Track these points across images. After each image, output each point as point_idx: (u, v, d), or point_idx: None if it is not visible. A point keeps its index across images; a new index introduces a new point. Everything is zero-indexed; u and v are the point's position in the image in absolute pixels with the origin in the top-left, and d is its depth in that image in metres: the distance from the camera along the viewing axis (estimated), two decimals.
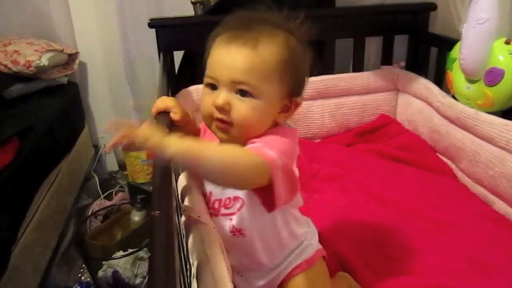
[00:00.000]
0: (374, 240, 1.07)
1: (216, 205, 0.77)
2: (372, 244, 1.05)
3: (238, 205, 0.74)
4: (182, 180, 0.79)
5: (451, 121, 1.34)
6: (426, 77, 1.57)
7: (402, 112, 1.64)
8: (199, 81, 0.79)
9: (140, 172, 1.80)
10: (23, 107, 1.65)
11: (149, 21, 1.42)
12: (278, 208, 0.68)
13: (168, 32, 1.46)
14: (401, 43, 1.68)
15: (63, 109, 1.75)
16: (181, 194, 0.76)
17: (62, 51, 1.81)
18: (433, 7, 1.59)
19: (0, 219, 1.13)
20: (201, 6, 1.50)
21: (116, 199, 1.88)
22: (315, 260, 0.83)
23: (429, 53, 1.60)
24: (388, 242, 1.06)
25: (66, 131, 1.78)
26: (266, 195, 0.68)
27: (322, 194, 1.26)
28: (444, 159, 1.41)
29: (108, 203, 1.84)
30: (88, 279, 1.50)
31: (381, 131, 1.62)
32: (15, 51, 1.69)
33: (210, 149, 0.65)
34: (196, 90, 1.46)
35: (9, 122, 1.49)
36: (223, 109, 0.68)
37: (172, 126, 0.77)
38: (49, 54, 1.74)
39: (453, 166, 1.37)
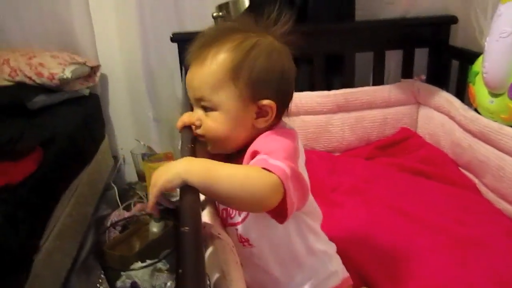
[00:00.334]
0: (396, 255, 1.05)
1: (224, 215, 0.77)
2: (394, 259, 1.03)
3: (243, 215, 0.74)
4: None
5: (474, 135, 1.32)
6: (448, 90, 1.56)
7: (423, 126, 1.63)
8: None
9: None
10: (46, 118, 1.68)
11: (171, 36, 1.44)
12: (289, 217, 0.65)
13: None
14: (421, 56, 1.67)
15: (84, 120, 1.78)
16: None
17: (84, 63, 1.85)
18: (454, 20, 1.59)
19: (23, 228, 1.14)
20: (223, 20, 1.52)
21: (135, 209, 1.89)
22: None
23: (450, 66, 1.59)
24: (410, 257, 1.04)
25: (87, 142, 1.80)
26: (275, 207, 0.64)
27: (342, 207, 1.25)
28: (467, 173, 1.39)
29: (126, 213, 1.85)
30: None
31: (401, 145, 1.60)
32: (40, 64, 1.73)
33: (223, 171, 0.62)
34: None
35: (33, 132, 1.52)
36: (197, 125, 0.73)
37: (196, 141, 0.77)
38: (72, 67, 1.77)
39: (476, 180, 1.35)
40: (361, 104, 1.60)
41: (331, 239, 0.87)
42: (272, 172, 0.61)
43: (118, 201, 1.96)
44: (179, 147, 0.79)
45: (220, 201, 0.71)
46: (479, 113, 1.32)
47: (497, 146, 1.22)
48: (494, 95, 1.23)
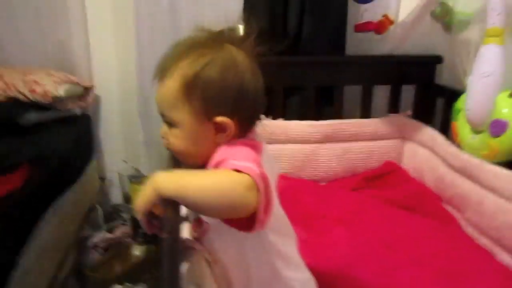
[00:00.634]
0: (378, 286, 1.05)
1: (194, 227, 0.77)
2: None
3: (203, 228, 0.74)
4: None
5: (456, 170, 1.34)
6: (433, 126, 1.60)
7: (408, 160, 1.66)
8: None
9: None
10: (36, 135, 1.68)
11: None
12: (260, 225, 0.61)
13: None
14: (408, 92, 1.72)
15: (74, 139, 1.78)
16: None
17: (78, 83, 1.87)
18: (440, 59, 1.65)
19: (3, 243, 1.13)
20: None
21: (118, 232, 1.87)
22: None
23: (436, 104, 1.63)
24: None
25: (75, 161, 1.80)
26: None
27: (327, 237, 1.26)
28: (450, 208, 1.40)
29: (109, 235, 1.84)
30: None
31: (386, 178, 1.62)
32: (34, 81, 1.75)
33: (193, 177, 0.62)
34: None
35: (22, 149, 1.52)
36: (164, 139, 0.75)
37: (176, 161, 0.77)
38: (66, 86, 1.79)
39: (458, 215, 1.36)
40: (348, 136, 1.63)
41: (312, 267, 0.85)
42: (243, 172, 0.59)
43: (102, 222, 1.95)
44: None
45: (199, 209, 0.68)
46: (462, 149, 1.35)
47: (478, 182, 1.24)
48: (476, 132, 1.27)
